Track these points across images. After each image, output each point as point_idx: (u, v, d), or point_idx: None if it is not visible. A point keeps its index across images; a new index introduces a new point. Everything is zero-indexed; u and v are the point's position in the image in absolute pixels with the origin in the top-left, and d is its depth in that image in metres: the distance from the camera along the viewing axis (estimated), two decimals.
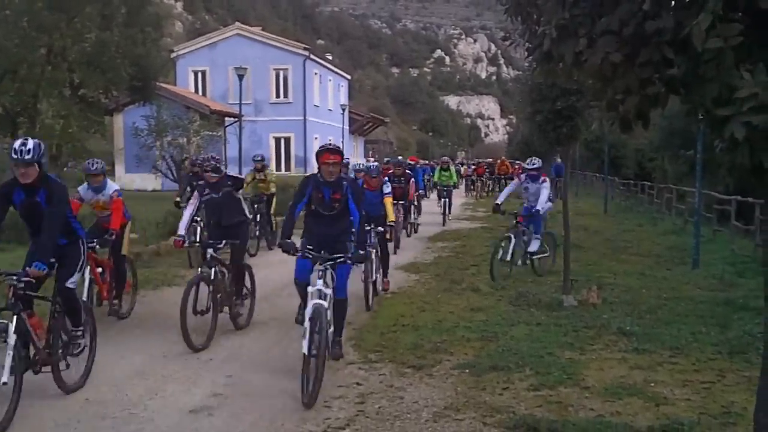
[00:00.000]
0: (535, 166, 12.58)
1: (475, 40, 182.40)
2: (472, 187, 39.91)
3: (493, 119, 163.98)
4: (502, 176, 37.44)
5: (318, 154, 6.99)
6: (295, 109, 42.48)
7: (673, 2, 3.30)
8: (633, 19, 3.31)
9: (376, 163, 14.69)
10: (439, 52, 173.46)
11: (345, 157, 9.59)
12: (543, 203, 12.19)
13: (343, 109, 47.00)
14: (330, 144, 7.17)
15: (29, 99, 16.77)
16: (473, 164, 46.97)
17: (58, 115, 16.77)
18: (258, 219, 14.74)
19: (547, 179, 12.90)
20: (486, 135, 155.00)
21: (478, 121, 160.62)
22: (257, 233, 14.88)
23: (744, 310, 9.41)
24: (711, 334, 8.29)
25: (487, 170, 40.32)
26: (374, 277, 10.50)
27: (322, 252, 6.83)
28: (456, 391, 6.39)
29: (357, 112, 56.55)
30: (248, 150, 32.66)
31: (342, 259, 6.78)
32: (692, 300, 10.35)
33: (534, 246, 12.28)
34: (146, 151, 27.97)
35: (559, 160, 29.53)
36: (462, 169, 46.75)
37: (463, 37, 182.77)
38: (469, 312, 9.58)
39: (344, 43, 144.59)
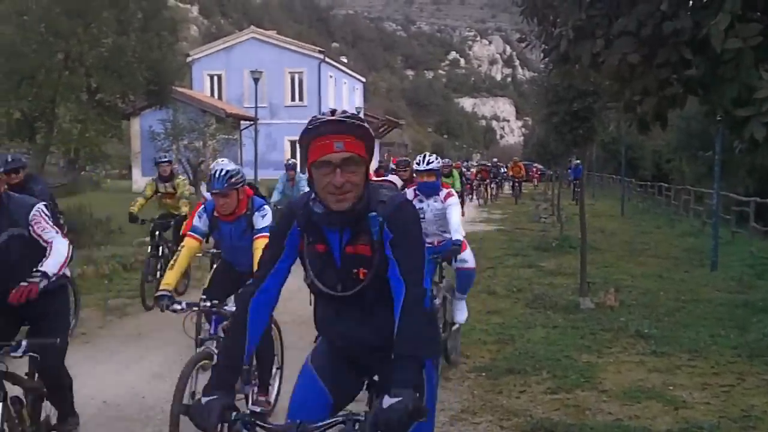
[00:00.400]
0: (429, 167, 7.01)
1: (490, 42, 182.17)
2: (472, 194, 33.62)
3: (508, 121, 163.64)
4: (517, 180, 36.01)
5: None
6: (311, 112, 41.90)
7: (691, 2, 3.28)
8: (651, 20, 3.29)
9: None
10: (453, 54, 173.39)
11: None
12: (457, 229, 6.75)
13: (358, 112, 47.02)
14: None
15: (47, 104, 16.88)
16: (474, 167, 43.31)
17: (75, 119, 16.88)
18: (161, 253, 10.36)
19: (453, 193, 7.22)
20: (501, 137, 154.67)
21: (494, 123, 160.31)
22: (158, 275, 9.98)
23: (763, 313, 9.32)
24: (730, 337, 8.21)
25: (492, 173, 36.39)
26: None
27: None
28: (473, 395, 6.36)
29: (372, 114, 56.49)
30: (264, 153, 32.83)
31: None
32: (711, 302, 10.27)
33: (461, 314, 7.37)
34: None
35: (576, 161, 29.18)
36: (471, 172, 37.98)
37: (478, 38, 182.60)
38: (485, 315, 9.54)
39: (359, 46, 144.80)
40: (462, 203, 21.79)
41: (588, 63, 3.54)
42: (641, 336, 8.21)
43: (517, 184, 36.15)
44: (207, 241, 6.27)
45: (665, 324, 8.86)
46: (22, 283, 3.92)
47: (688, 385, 6.55)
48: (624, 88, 3.60)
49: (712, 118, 3.74)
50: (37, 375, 4.48)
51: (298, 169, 13.67)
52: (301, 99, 42.94)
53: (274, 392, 5.89)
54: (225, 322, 5.08)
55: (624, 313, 9.47)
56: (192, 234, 5.51)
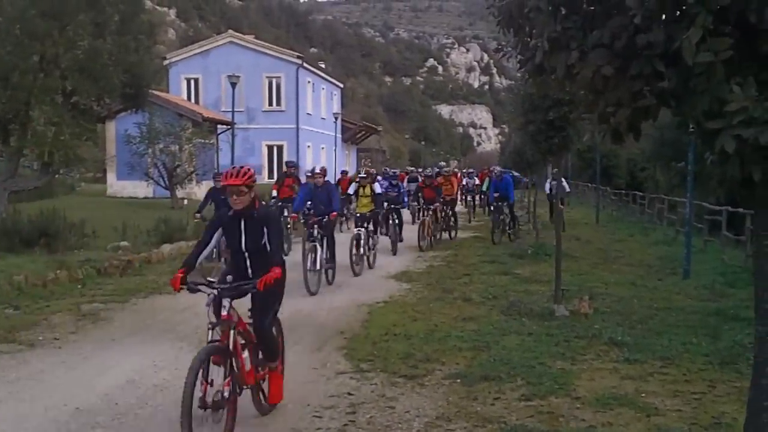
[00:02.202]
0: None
1: (467, 50, 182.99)
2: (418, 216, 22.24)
3: (485, 128, 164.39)
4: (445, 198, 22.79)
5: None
6: (288, 117, 42.48)
7: (663, 16, 3.32)
8: (624, 33, 3.34)
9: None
10: (431, 61, 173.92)
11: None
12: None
13: (336, 118, 46.99)
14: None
15: (21, 106, 16.66)
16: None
17: (50, 122, 16.66)
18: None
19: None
20: (479, 144, 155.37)
21: (471, 130, 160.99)
22: None
23: (735, 321, 9.44)
24: (702, 345, 8.31)
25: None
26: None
27: None
28: (447, 401, 6.39)
29: (350, 120, 56.59)
30: (240, 158, 32.69)
31: None
32: (683, 310, 10.38)
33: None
34: (138, 159, 27.93)
35: (553, 170, 28.53)
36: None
37: (456, 46, 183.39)
38: (460, 321, 9.58)
39: (337, 52, 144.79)
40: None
41: (563, 74, 3.58)
42: (615, 343, 8.29)
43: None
44: None
45: (638, 331, 8.95)
46: None
47: (661, 393, 6.62)
48: (598, 100, 3.64)
49: (684, 129, 3.79)
50: None
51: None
52: (278, 104, 42.86)
53: None
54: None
55: (598, 320, 9.55)
56: None
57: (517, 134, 20.21)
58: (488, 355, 7.87)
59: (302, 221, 13.26)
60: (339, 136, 47.96)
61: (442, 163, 24.35)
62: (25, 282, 11.30)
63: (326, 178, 13.57)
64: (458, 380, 6.97)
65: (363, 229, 14.34)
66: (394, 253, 17.03)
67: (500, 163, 28.92)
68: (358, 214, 14.99)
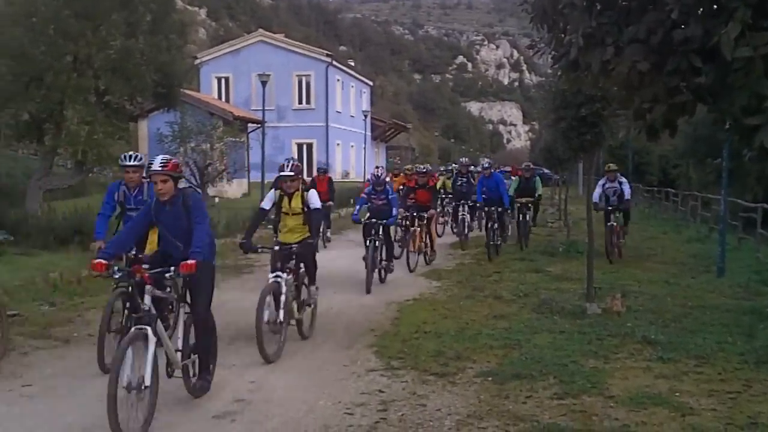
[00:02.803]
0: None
1: (497, 46, 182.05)
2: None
3: (515, 125, 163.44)
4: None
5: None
6: (318, 116, 42.64)
7: (701, 10, 3.27)
8: (660, 28, 3.30)
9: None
10: (461, 58, 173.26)
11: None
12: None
13: (365, 116, 47.08)
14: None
15: (55, 106, 16.92)
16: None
17: (83, 121, 16.89)
18: None
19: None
20: (508, 141, 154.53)
21: (500, 127, 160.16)
22: None
23: None
24: (737, 344, 8.20)
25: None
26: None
27: None
28: (479, 399, 6.37)
29: (379, 118, 56.63)
30: (271, 156, 32.84)
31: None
32: (718, 308, 10.24)
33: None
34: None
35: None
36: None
37: (486, 43, 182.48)
38: (491, 319, 9.55)
39: (366, 50, 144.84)
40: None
41: (598, 70, 3.55)
42: (648, 342, 8.20)
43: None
44: None
45: (672, 330, 8.85)
46: None
47: (695, 392, 6.54)
48: (633, 96, 3.60)
49: (720, 126, 3.73)
50: None
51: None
52: (308, 102, 43.04)
53: None
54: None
55: (630, 318, 9.46)
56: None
57: (548, 131, 19.66)
58: (520, 353, 7.83)
59: None
60: (368, 134, 48.06)
61: (464, 159, 20.21)
62: (60, 279, 11.46)
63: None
64: (490, 378, 6.94)
65: (284, 277, 8.12)
66: (367, 291, 11.64)
67: (530, 160, 28.44)
68: (276, 247, 8.44)
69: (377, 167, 13.24)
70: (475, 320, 9.48)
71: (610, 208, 15.01)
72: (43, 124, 17.45)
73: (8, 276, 11.77)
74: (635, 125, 3.80)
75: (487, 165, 17.05)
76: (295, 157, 39.42)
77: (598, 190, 15.13)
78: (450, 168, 21.82)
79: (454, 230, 19.47)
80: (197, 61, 37.41)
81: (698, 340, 8.33)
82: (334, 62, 44.51)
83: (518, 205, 17.75)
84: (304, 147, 42.69)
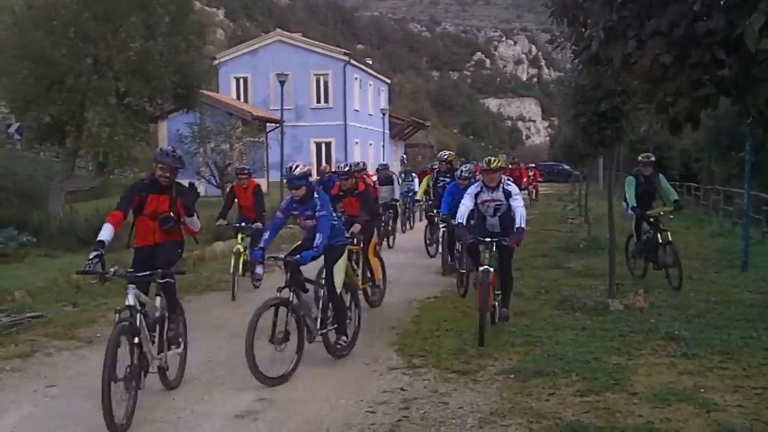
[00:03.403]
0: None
1: (515, 42, 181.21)
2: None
3: (534, 121, 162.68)
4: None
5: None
6: (336, 114, 42.67)
7: (723, 2, 3.23)
8: (683, 20, 3.25)
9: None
10: (479, 55, 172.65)
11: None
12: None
13: (384, 114, 47.06)
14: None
15: (76, 108, 17.07)
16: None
17: (104, 123, 17.03)
18: None
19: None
20: (527, 137, 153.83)
21: (519, 123, 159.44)
22: None
23: None
24: (762, 339, 8.10)
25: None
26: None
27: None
28: (501, 397, 6.34)
29: (397, 116, 56.61)
30: (289, 155, 32.91)
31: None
32: (742, 303, 10.13)
33: None
34: (190, 158, 28.26)
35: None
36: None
37: (504, 39, 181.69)
38: (513, 316, 9.47)
39: (384, 48, 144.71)
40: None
41: (619, 64, 3.51)
42: (671, 338, 8.13)
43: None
44: None
45: (696, 325, 8.77)
46: None
47: (720, 388, 6.47)
48: (656, 89, 3.56)
49: (744, 118, 3.68)
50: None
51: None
52: (326, 101, 43.07)
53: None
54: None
55: (654, 314, 9.38)
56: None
57: (567, 127, 19.48)
58: (542, 350, 7.79)
59: None
60: (387, 132, 48.04)
61: (445, 153, 15.61)
62: (83, 280, 11.54)
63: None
64: (512, 375, 6.92)
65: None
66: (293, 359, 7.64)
67: (550, 156, 28.19)
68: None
69: (292, 164, 7.70)
70: None
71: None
72: (65, 126, 17.61)
73: (31, 277, 11.89)
74: (658, 119, 3.76)
75: (467, 174, 12.00)
76: (314, 156, 39.52)
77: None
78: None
79: (429, 248, 15.72)
80: (216, 62, 37.61)
81: (722, 335, 8.24)
82: (352, 61, 44.52)
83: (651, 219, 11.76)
84: (323, 146, 42.75)
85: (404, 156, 35.62)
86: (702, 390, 6.41)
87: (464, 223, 8.60)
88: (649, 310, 9.59)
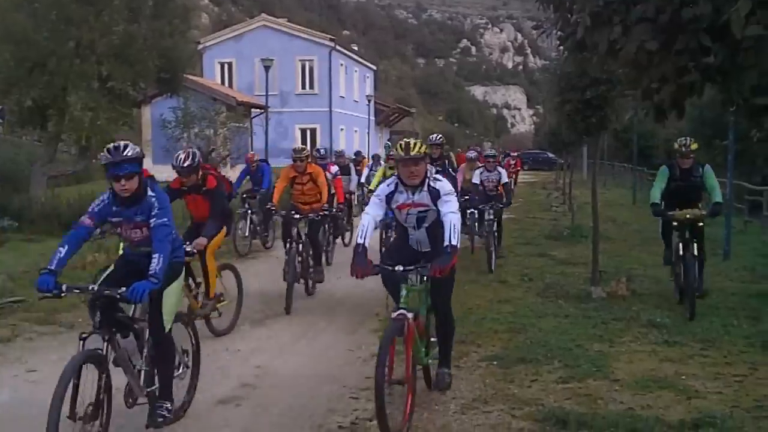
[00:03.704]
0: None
1: (501, 30, 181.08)
2: None
3: (519, 109, 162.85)
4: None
5: None
6: (321, 101, 42.51)
7: None
8: (669, 6, 3.24)
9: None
10: (465, 42, 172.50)
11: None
12: None
13: (369, 100, 46.93)
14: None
15: (58, 92, 16.91)
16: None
17: (86, 107, 16.86)
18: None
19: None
20: (512, 125, 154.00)
21: (505, 111, 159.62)
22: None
23: None
24: (743, 327, 8.17)
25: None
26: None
27: None
28: (484, 384, 6.36)
29: (383, 102, 56.46)
30: (274, 141, 32.80)
31: None
32: (723, 292, 10.21)
33: None
34: (174, 143, 28.13)
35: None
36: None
37: (490, 26, 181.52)
38: (496, 304, 9.53)
39: (370, 34, 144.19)
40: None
41: (605, 50, 3.50)
42: (653, 325, 8.18)
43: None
44: None
45: (677, 313, 8.82)
46: None
47: (701, 375, 6.52)
48: (641, 76, 3.55)
49: (728, 107, 3.68)
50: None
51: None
52: (311, 87, 42.90)
53: None
54: None
55: (636, 302, 9.43)
56: None
57: (552, 115, 19.48)
58: (525, 337, 7.82)
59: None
60: (372, 118, 47.91)
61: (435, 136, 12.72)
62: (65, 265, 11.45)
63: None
64: (494, 362, 6.94)
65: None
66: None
67: (535, 144, 28.20)
68: None
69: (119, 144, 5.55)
70: (479, 305, 9.47)
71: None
72: (47, 110, 17.43)
73: (13, 262, 11.80)
74: (643, 106, 3.76)
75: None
76: (299, 142, 39.39)
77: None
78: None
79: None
80: (200, 47, 37.36)
81: (704, 323, 8.30)
82: (338, 47, 44.33)
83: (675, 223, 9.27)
84: (308, 132, 42.60)
85: (389, 142, 35.32)
86: (683, 377, 6.46)
87: (366, 243, 5.67)
88: (632, 298, 9.65)
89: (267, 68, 26.91)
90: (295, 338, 8.03)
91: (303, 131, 42.63)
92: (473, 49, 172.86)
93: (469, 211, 13.23)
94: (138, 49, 16.96)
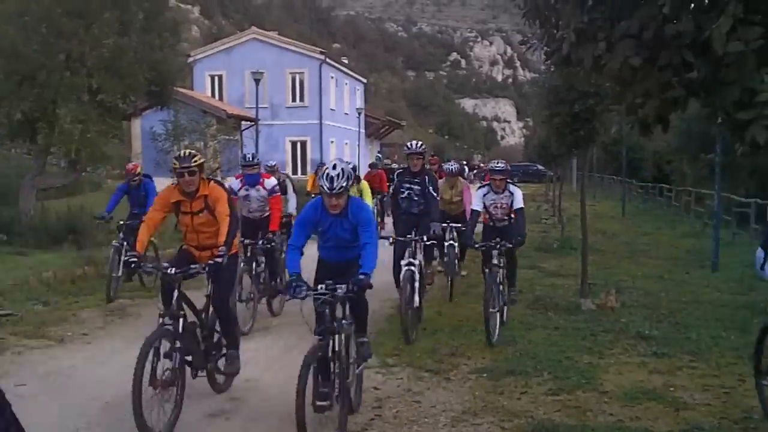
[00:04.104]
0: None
1: (491, 43, 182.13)
2: None
3: (509, 122, 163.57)
4: None
5: None
6: (312, 113, 42.54)
7: (692, 5, 3.27)
8: (652, 23, 3.29)
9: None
10: (455, 55, 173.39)
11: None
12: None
13: (359, 113, 47.02)
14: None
15: (48, 104, 16.85)
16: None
17: (76, 120, 16.81)
18: None
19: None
20: (502, 138, 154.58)
21: (494, 124, 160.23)
22: None
23: (764, 314, 9.29)
24: (731, 338, 8.23)
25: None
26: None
27: None
28: (474, 396, 6.37)
29: (373, 115, 56.55)
30: (264, 154, 32.78)
31: None
32: (712, 303, 10.27)
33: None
34: (164, 156, 28.10)
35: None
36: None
37: (479, 39, 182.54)
38: None
39: (360, 47, 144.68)
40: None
41: (590, 66, 3.55)
42: (642, 337, 8.23)
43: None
44: None
45: (666, 325, 8.87)
46: None
47: (689, 387, 6.56)
48: (626, 91, 3.60)
49: (713, 121, 3.73)
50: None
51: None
52: (302, 100, 42.93)
53: None
54: None
55: (625, 314, 9.48)
56: None
57: (542, 127, 19.57)
58: (514, 349, 7.84)
59: None
60: (362, 131, 48.00)
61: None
62: (54, 278, 11.43)
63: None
64: (484, 375, 6.95)
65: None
66: None
67: (525, 157, 28.27)
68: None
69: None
70: (469, 317, 9.48)
71: None
72: (36, 123, 17.37)
73: (2, 275, 11.73)
74: (628, 120, 3.81)
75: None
76: (289, 155, 39.33)
77: None
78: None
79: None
80: (190, 59, 37.39)
81: (692, 335, 8.36)
82: (328, 60, 44.41)
83: None
84: (298, 144, 42.61)
85: (379, 154, 35.32)
86: (672, 389, 6.49)
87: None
88: (621, 310, 9.70)
89: (257, 81, 26.95)
90: (285, 350, 8.02)
91: (293, 144, 42.63)
92: (463, 62, 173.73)
93: (447, 244, 10.91)
94: (128, 62, 16.93)
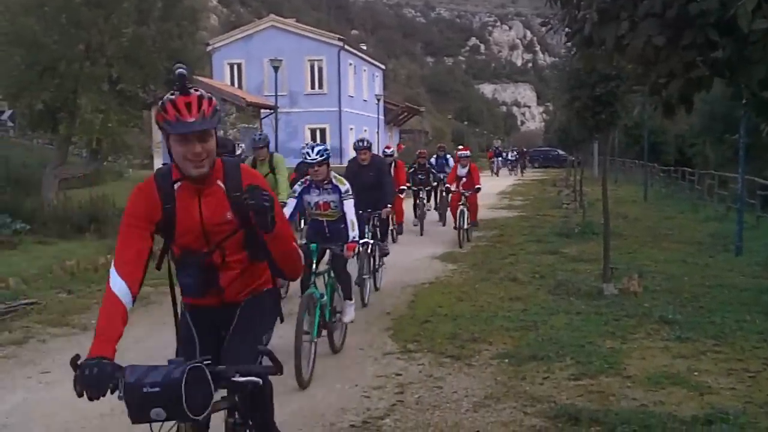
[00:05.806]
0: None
1: (510, 27, 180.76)
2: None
3: (529, 107, 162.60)
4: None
5: None
6: (330, 100, 42.56)
7: None
8: (676, 1, 3.22)
9: None
10: (473, 40, 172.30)
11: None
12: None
13: (378, 100, 46.95)
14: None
15: (69, 94, 16.96)
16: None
17: (97, 109, 16.91)
18: None
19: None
20: (522, 123, 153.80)
21: (514, 109, 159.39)
22: None
23: None
24: (756, 322, 8.14)
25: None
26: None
27: None
28: (496, 381, 6.36)
29: (392, 102, 56.48)
30: (284, 141, 32.85)
31: None
32: (736, 287, 10.17)
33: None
34: None
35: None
36: None
37: (498, 24, 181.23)
38: (507, 301, 9.52)
39: (378, 33, 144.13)
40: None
41: (612, 46, 3.48)
42: (665, 322, 8.16)
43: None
44: None
45: (690, 310, 8.80)
46: None
47: (714, 371, 6.50)
48: (649, 71, 3.53)
49: (737, 101, 3.66)
50: None
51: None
52: (320, 87, 42.97)
53: None
54: None
55: (648, 298, 9.41)
56: None
57: (562, 111, 19.40)
58: (536, 334, 7.81)
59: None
60: (381, 117, 47.94)
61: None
62: (77, 267, 11.52)
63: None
64: (506, 360, 6.93)
65: None
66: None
67: (545, 142, 28.13)
68: None
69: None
70: (490, 302, 9.47)
71: None
72: (57, 113, 17.49)
73: (25, 264, 11.86)
74: (651, 101, 3.74)
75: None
76: (309, 141, 39.44)
77: None
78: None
79: None
80: (209, 48, 37.41)
81: (716, 319, 8.28)
82: (346, 46, 44.36)
83: None
84: (317, 132, 42.65)
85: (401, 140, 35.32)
86: (696, 373, 6.44)
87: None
88: (644, 295, 9.63)
89: (276, 68, 26.99)
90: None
91: (312, 131, 42.68)
92: (482, 47, 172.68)
93: None
94: (147, 51, 16.99)
